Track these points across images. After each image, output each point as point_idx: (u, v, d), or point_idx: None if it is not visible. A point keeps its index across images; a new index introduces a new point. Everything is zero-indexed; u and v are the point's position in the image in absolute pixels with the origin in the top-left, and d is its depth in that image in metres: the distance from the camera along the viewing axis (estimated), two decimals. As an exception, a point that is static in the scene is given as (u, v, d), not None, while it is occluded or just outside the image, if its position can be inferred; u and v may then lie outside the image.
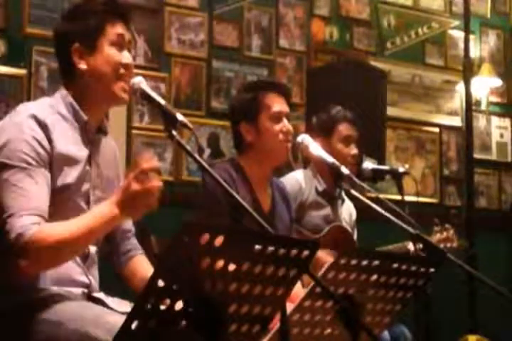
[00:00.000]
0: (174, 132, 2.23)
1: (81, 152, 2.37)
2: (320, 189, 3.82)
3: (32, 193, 2.19)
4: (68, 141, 2.34)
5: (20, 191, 2.18)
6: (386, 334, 3.58)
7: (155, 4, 5.10)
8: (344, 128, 3.87)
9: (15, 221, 2.13)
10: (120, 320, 2.04)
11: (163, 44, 5.10)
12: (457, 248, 3.98)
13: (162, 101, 2.27)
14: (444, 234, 3.97)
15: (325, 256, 3.49)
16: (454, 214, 4.05)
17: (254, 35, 5.47)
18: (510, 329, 5.45)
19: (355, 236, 4.00)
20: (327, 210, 3.83)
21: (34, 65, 4.59)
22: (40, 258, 2.15)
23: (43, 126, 2.27)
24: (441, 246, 3.84)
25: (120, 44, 2.41)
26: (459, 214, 4.10)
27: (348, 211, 4.00)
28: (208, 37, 5.27)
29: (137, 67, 4.79)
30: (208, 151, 5.11)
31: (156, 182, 2.18)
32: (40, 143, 2.25)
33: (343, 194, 3.95)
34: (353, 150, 3.85)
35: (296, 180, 3.77)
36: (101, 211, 2.19)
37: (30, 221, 2.14)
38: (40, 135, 2.26)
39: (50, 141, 2.27)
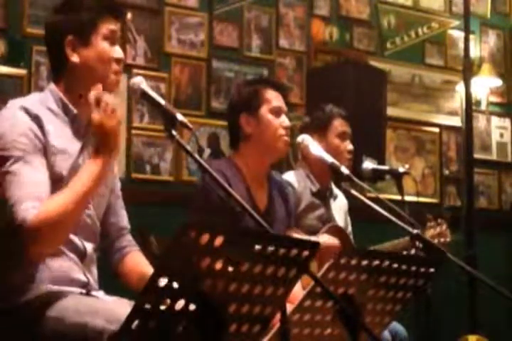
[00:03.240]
0: (174, 132, 2.23)
1: (73, 145, 2.38)
2: (314, 190, 3.82)
3: (31, 179, 2.23)
4: (60, 135, 2.35)
5: (20, 179, 2.22)
6: (387, 333, 3.58)
7: (155, 4, 5.09)
8: (339, 124, 3.90)
9: (18, 208, 2.18)
10: (115, 308, 2.06)
11: (163, 44, 5.10)
12: (450, 243, 3.98)
13: (162, 101, 2.27)
14: (438, 229, 3.97)
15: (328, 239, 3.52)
16: (447, 208, 4.05)
17: (254, 35, 5.46)
18: (510, 329, 5.45)
19: (349, 227, 4.01)
20: (321, 210, 3.83)
21: (34, 65, 4.59)
22: (49, 235, 2.19)
23: (35, 118, 2.29)
24: (435, 241, 3.83)
25: (112, 39, 2.42)
26: (451, 208, 4.09)
27: (341, 205, 4.00)
28: (208, 37, 5.26)
29: (137, 67, 4.84)
30: (207, 151, 5.10)
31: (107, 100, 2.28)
32: (34, 133, 2.28)
33: (334, 189, 3.96)
34: (349, 145, 3.88)
35: (289, 182, 3.76)
36: (86, 167, 2.27)
37: (31, 205, 2.18)
38: (33, 126, 2.28)
39: (43, 132, 2.29)
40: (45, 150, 2.29)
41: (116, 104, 2.29)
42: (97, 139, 2.29)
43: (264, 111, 3.25)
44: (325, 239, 3.57)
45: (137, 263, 2.52)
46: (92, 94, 2.30)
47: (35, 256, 2.23)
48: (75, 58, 2.39)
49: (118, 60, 2.42)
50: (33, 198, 2.20)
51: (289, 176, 3.82)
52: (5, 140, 2.26)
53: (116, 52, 2.42)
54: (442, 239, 3.96)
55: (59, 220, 2.18)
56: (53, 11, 2.47)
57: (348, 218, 4.06)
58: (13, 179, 2.21)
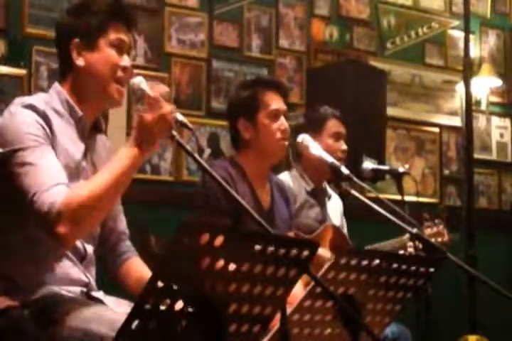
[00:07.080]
0: (174, 132, 2.23)
1: (77, 148, 2.38)
2: (308, 189, 3.84)
3: (49, 167, 2.21)
4: (65, 136, 2.34)
5: (38, 168, 2.20)
6: (389, 331, 3.58)
7: (155, 4, 5.09)
8: (333, 125, 3.91)
9: (42, 195, 2.15)
10: (120, 315, 2.05)
11: (163, 44, 5.10)
12: (448, 242, 3.98)
13: (162, 101, 2.27)
14: (435, 228, 3.97)
15: (323, 252, 3.52)
16: (441, 208, 4.05)
17: (254, 35, 5.46)
18: (510, 329, 5.44)
19: (345, 228, 4.01)
20: (317, 210, 3.84)
21: (34, 65, 4.59)
22: (77, 219, 2.15)
23: (42, 115, 2.29)
24: (433, 240, 3.83)
25: (120, 47, 2.41)
26: (446, 208, 4.09)
27: (336, 205, 4.00)
28: (208, 37, 5.27)
29: (137, 67, 4.83)
30: (208, 151, 5.11)
31: (168, 107, 2.21)
32: (43, 127, 2.27)
33: (328, 189, 3.97)
34: (343, 145, 3.88)
35: (284, 181, 3.77)
36: (121, 157, 2.22)
37: (57, 190, 2.16)
38: (41, 121, 2.28)
39: (50, 129, 2.29)
40: (52, 147, 2.28)
41: (162, 91, 2.23)
42: (139, 131, 2.23)
43: (261, 116, 3.25)
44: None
45: (137, 268, 2.51)
46: (152, 93, 2.24)
47: (64, 240, 2.18)
48: (79, 62, 2.38)
49: (124, 68, 2.41)
50: (57, 184, 2.18)
51: (284, 176, 3.83)
52: (17, 133, 2.24)
53: (123, 60, 2.41)
54: (440, 239, 3.96)
55: (88, 204, 2.15)
56: (66, 12, 2.48)
57: (344, 219, 4.07)
58: (31, 169, 2.19)
